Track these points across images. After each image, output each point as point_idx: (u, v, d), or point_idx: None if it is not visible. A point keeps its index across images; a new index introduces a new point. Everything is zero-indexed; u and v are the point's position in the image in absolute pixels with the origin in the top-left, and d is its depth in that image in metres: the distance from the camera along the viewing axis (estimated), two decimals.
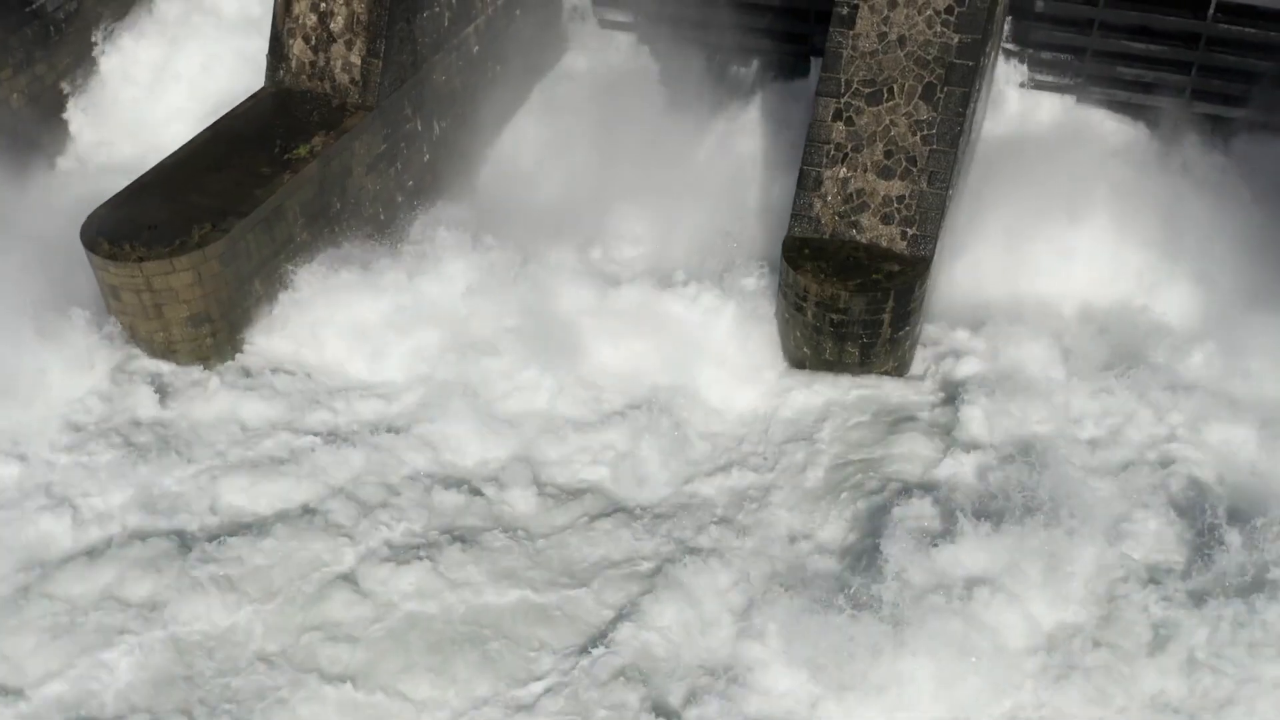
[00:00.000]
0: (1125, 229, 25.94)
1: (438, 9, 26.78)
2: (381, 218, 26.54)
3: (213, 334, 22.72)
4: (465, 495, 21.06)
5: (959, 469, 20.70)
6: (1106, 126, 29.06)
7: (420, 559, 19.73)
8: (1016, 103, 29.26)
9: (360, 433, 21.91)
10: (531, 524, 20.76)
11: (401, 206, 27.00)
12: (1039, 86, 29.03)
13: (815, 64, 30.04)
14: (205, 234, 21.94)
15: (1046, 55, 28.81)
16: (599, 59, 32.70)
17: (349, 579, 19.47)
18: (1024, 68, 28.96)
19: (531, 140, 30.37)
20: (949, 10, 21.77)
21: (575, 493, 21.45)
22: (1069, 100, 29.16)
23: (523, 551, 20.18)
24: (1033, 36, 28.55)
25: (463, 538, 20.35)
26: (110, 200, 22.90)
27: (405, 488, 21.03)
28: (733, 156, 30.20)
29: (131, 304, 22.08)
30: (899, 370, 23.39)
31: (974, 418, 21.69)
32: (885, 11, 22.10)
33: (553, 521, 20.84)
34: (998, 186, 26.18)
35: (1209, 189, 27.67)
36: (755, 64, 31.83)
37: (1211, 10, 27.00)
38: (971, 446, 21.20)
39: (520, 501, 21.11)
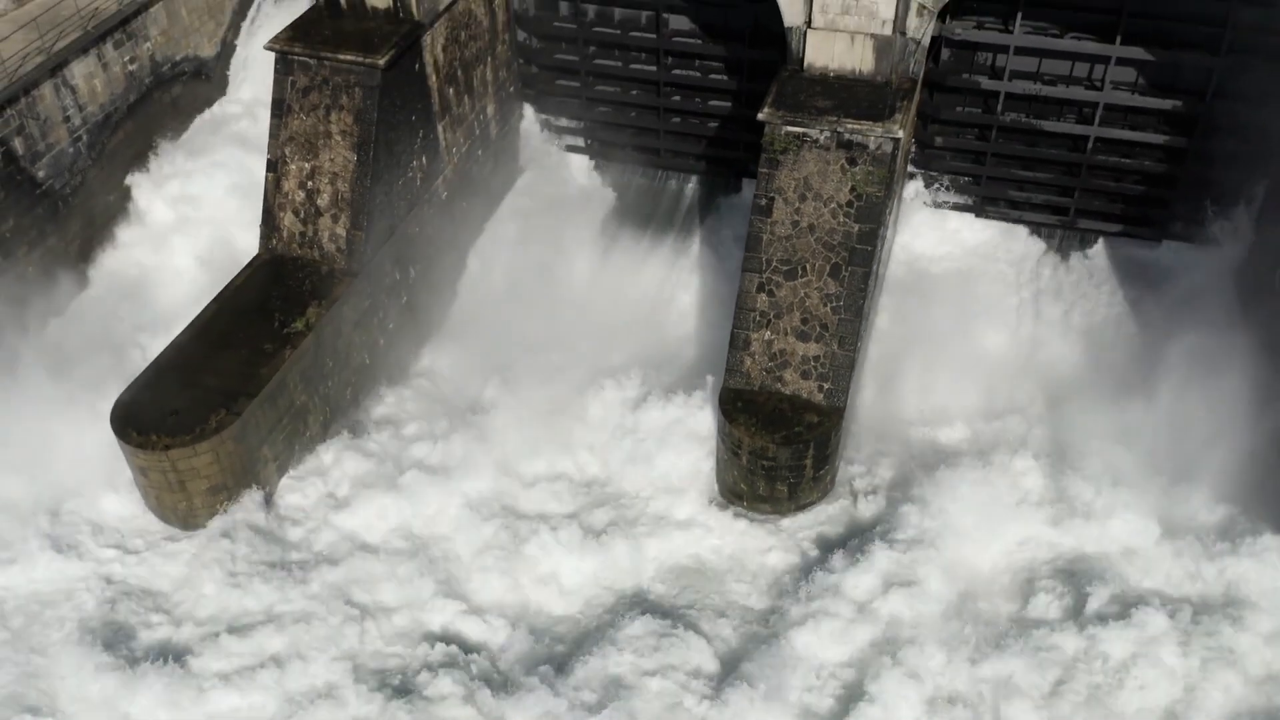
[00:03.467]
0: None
1: (411, 173, 30.14)
2: (367, 361, 30.06)
3: (228, 499, 26.33)
4: None
5: None
6: (999, 241, 32.98)
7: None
8: (923, 220, 33.05)
9: None
10: None
11: (382, 349, 30.49)
12: (941, 205, 32.89)
13: (748, 184, 33.78)
14: (221, 419, 25.46)
15: (948, 179, 32.65)
16: (554, 178, 36.18)
17: None
18: (928, 190, 32.77)
19: (492, 267, 33.75)
20: (849, 204, 25.51)
21: None
22: (968, 217, 33.01)
23: None
24: (935, 165, 32.37)
25: None
26: (133, 384, 26.32)
27: None
28: (674, 271, 33.92)
29: (158, 481, 25.66)
30: (822, 496, 27.39)
31: None
32: (797, 204, 25.80)
33: None
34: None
35: (1090, 300, 31.74)
36: (694, 182, 35.51)
37: (1090, 144, 30.91)
38: None
39: None
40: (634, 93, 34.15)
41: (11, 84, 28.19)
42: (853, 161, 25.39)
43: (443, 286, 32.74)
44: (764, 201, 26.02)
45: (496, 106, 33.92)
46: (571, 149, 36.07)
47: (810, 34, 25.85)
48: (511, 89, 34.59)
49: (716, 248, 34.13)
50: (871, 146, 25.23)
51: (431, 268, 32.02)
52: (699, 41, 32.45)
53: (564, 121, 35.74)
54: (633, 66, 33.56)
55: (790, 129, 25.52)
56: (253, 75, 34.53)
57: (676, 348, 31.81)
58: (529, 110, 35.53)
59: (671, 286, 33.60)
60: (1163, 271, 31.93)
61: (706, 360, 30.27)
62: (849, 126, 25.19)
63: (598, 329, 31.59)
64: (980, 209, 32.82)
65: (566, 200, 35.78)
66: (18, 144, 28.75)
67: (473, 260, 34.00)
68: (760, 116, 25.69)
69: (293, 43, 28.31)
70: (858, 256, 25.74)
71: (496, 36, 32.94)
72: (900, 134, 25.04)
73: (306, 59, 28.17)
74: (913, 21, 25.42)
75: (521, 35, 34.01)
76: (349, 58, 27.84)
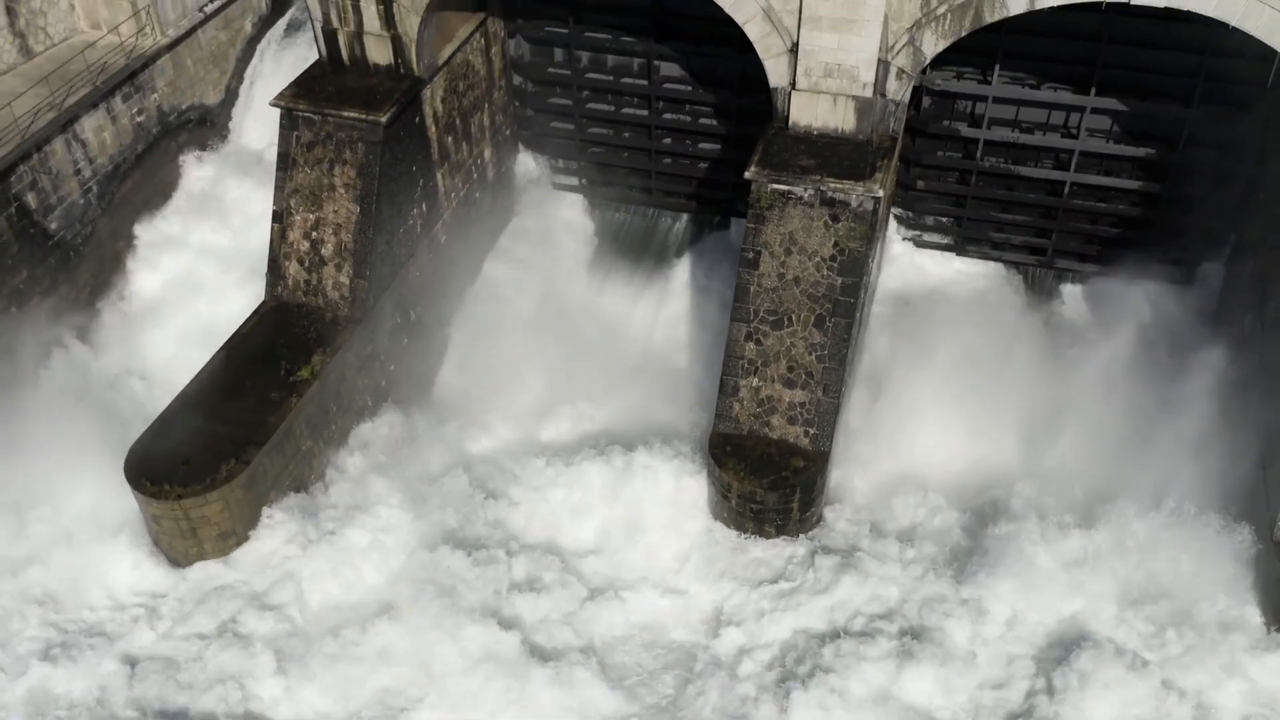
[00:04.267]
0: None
1: (411, 221, 31.17)
2: (369, 403, 31.09)
3: (237, 543, 27.39)
4: None
5: None
6: (979, 280, 34.02)
7: None
8: (905, 261, 34.10)
9: None
10: None
11: (383, 390, 31.53)
12: (925, 245, 33.97)
13: (737, 223, 34.83)
14: (231, 468, 26.51)
15: (930, 220, 33.74)
16: (549, 217, 37.17)
17: None
18: (912, 231, 33.84)
19: (489, 305, 34.72)
20: (832, 259, 26.60)
21: None
22: (950, 256, 34.08)
23: None
24: (918, 207, 33.45)
25: None
26: (146, 433, 27.36)
27: None
28: (665, 304, 34.96)
29: (170, 528, 26.74)
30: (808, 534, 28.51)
31: None
32: (783, 257, 26.89)
33: None
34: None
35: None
36: (685, 220, 36.57)
37: (1067, 188, 31.98)
38: None
39: None
40: (626, 135, 35.17)
41: (24, 141, 29.21)
42: (835, 218, 26.47)
43: (441, 326, 33.76)
44: (751, 255, 27.09)
45: (493, 150, 34.96)
46: (565, 188, 37.09)
47: (795, 95, 26.91)
48: (508, 132, 35.62)
49: (707, 282, 35.12)
50: (853, 204, 26.30)
51: (431, 309, 33.05)
52: (689, 88, 33.48)
53: (558, 163, 36.76)
54: (625, 111, 34.55)
55: (776, 186, 26.59)
56: (256, 121, 35.50)
57: (666, 386, 32.78)
58: (524, 152, 36.57)
59: (663, 321, 34.64)
60: (1140, 312, 32.72)
61: (696, 402, 31.28)
62: (831, 185, 26.27)
63: (591, 365, 32.71)
64: (961, 249, 33.89)
65: (561, 238, 36.81)
66: (31, 199, 29.77)
67: (470, 298, 35.00)
68: (747, 175, 26.74)
69: (297, 99, 29.32)
70: (841, 308, 26.83)
71: (493, 83, 33.97)
72: (880, 192, 26.13)
73: (311, 115, 29.19)
74: (892, 84, 26.47)
75: (517, 80, 35.02)
76: (352, 114, 28.88)
